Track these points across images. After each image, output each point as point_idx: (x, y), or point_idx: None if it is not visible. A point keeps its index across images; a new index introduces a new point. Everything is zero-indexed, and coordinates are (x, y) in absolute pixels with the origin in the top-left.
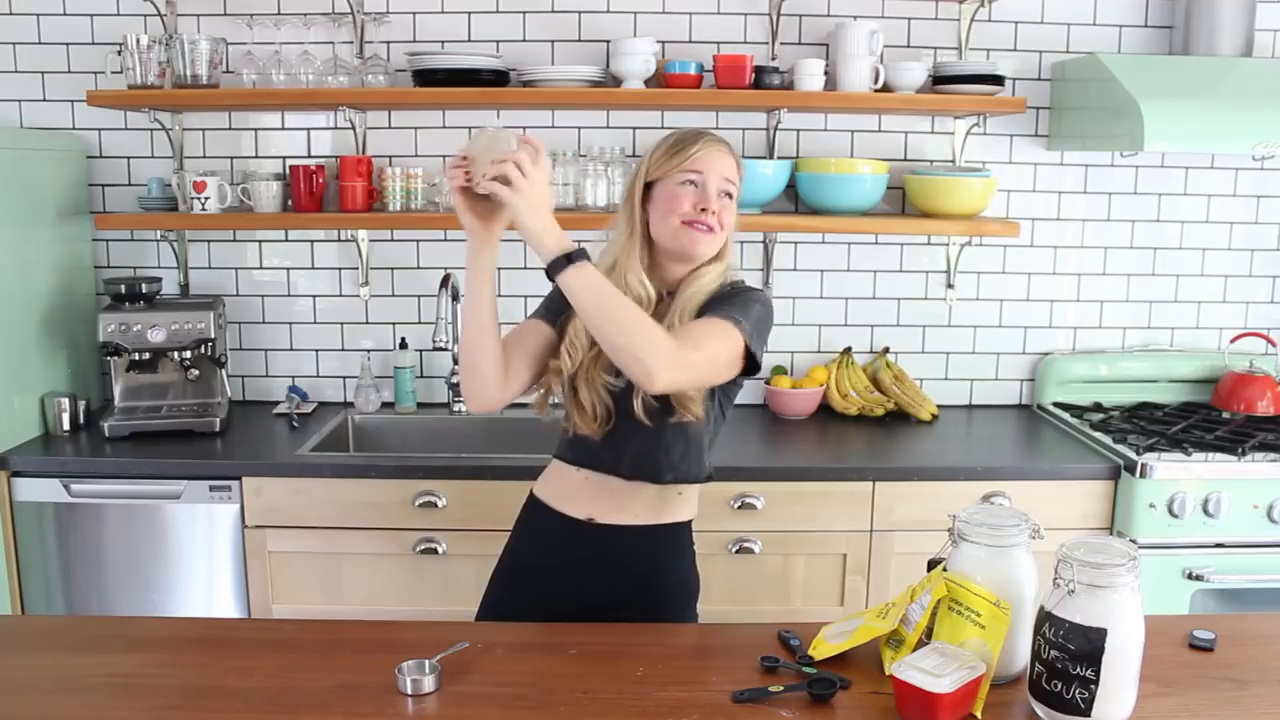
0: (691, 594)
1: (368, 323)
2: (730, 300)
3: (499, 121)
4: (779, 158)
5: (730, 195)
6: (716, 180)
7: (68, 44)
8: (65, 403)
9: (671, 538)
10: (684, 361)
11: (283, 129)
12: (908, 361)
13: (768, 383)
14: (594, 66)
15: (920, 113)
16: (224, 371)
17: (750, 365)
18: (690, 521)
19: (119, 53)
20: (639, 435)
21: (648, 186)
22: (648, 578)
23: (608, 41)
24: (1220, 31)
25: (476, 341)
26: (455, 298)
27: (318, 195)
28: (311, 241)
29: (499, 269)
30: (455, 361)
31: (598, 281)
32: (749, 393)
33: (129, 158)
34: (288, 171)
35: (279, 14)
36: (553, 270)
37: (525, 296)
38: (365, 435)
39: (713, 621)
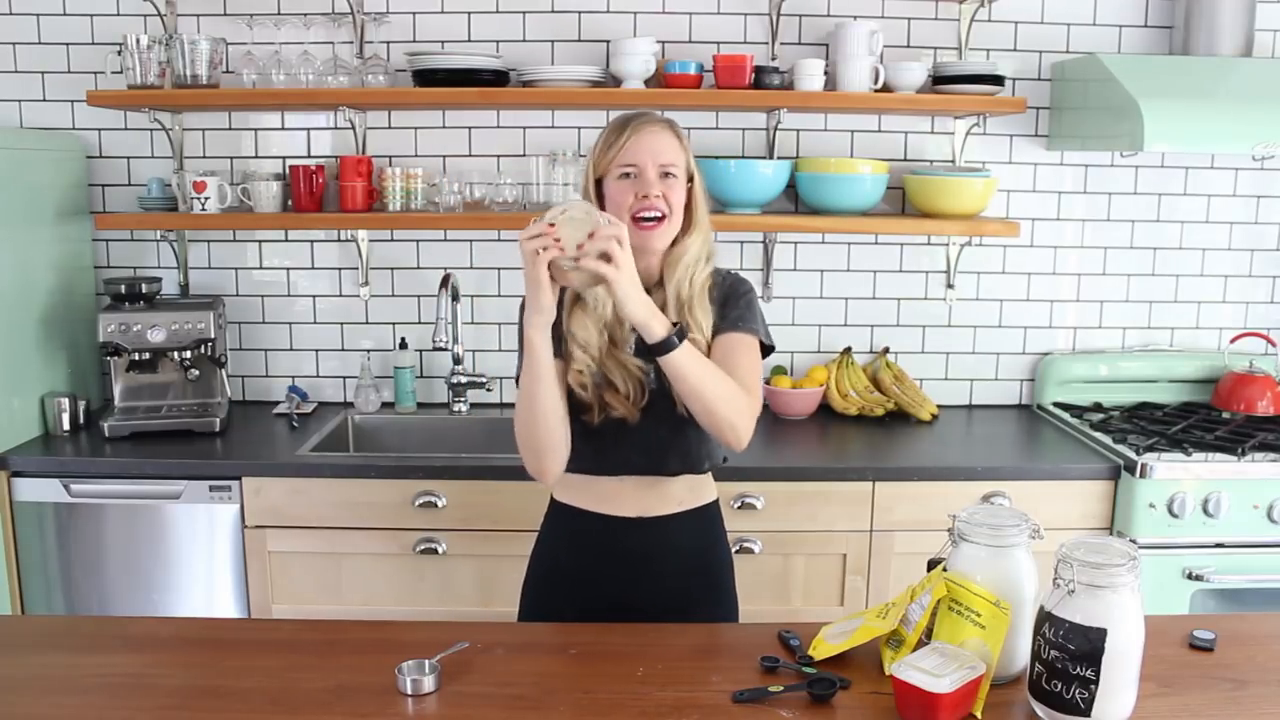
0: (733, 570)
1: (368, 323)
2: (737, 306)
3: (500, 121)
4: (779, 158)
5: (673, 174)
6: (653, 166)
7: (68, 44)
8: (65, 403)
9: (712, 517)
10: (756, 408)
11: (283, 129)
12: (908, 361)
13: (768, 383)
14: (594, 66)
15: (920, 113)
16: (224, 371)
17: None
18: (718, 501)
19: (119, 53)
20: (666, 427)
21: (599, 183)
22: (706, 558)
23: (608, 41)
24: (1220, 31)
25: (550, 420)
26: (455, 298)
27: (318, 195)
28: (311, 241)
29: (500, 269)
30: (456, 362)
31: (699, 356)
32: None
33: (129, 158)
34: (288, 171)
35: (279, 14)
36: (662, 350)
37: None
38: (365, 435)
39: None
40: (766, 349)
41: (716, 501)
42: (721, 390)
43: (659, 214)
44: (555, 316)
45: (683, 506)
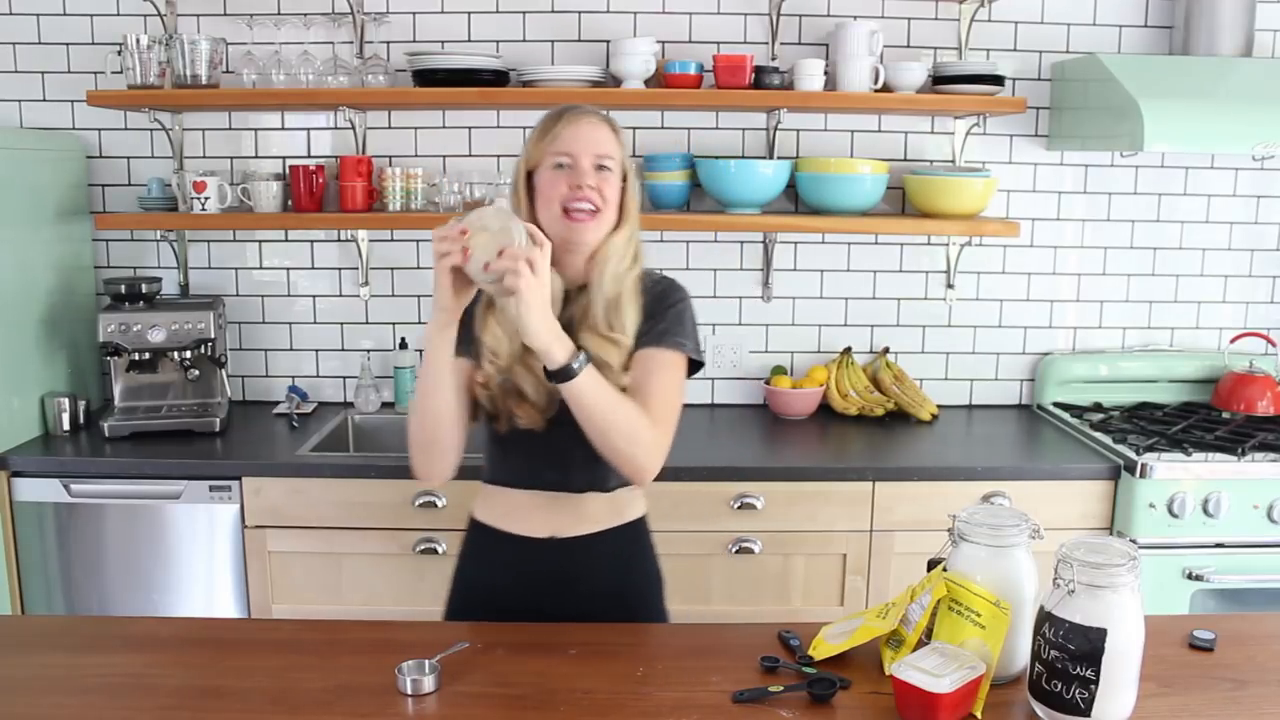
0: (661, 589)
1: (368, 323)
2: (665, 317)
3: (500, 121)
4: (779, 158)
5: (608, 167)
6: (588, 157)
7: (68, 44)
8: (65, 403)
9: (634, 537)
10: (664, 441)
11: (283, 129)
12: (908, 361)
13: (768, 383)
14: (594, 66)
15: (920, 113)
16: (224, 371)
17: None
18: (645, 517)
19: (119, 53)
20: (578, 444)
21: (530, 175)
22: (619, 580)
23: (608, 41)
24: (1220, 31)
25: (439, 420)
26: None
27: (318, 195)
28: (311, 241)
29: None
30: None
31: (601, 384)
32: (749, 392)
33: (129, 158)
34: (288, 171)
35: (279, 14)
36: (561, 377)
37: None
38: (365, 435)
39: (713, 621)
40: (695, 364)
41: (643, 519)
42: (622, 423)
43: (592, 206)
44: (461, 316)
45: (600, 526)
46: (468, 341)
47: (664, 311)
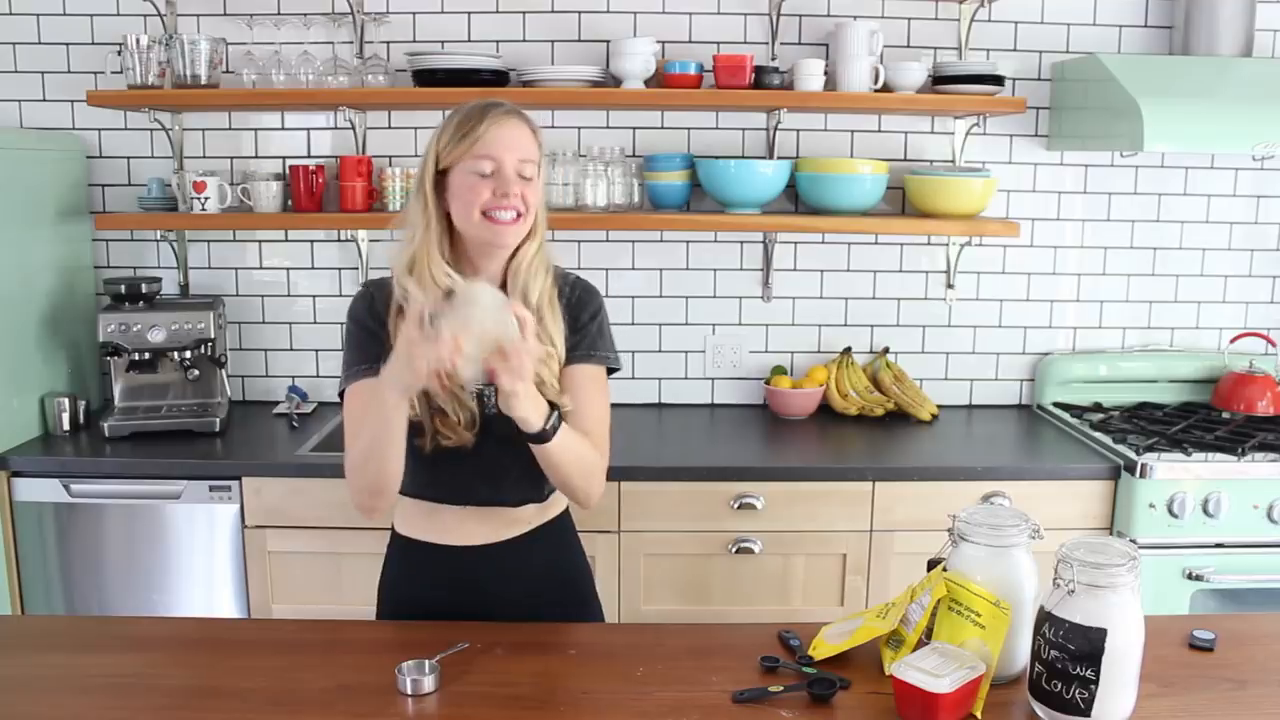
0: (591, 579)
1: None
2: (588, 329)
3: None
4: (779, 158)
5: (529, 175)
6: (512, 163)
7: (68, 44)
8: (65, 403)
9: (562, 530)
10: (606, 466)
11: (283, 129)
12: (908, 361)
13: (768, 383)
14: (594, 66)
15: (920, 113)
16: (224, 371)
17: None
18: (569, 509)
19: (119, 53)
20: (514, 461)
21: (441, 174)
22: (563, 573)
23: (608, 41)
24: (1220, 31)
25: (391, 475)
26: None
27: (318, 195)
28: (311, 241)
29: None
30: None
31: (569, 435)
32: (749, 392)
33: (129, 158)
34: (288, 171)
35: (279, 14)
36: (537, 440)
37: None
38: None
39: (713, 621)
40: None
41: (566, 510)
42: (583, 464)
43: (516, 212)
44: (374, 329)
45: (531, 525)
46: (377, 357)
47: (588, 323)
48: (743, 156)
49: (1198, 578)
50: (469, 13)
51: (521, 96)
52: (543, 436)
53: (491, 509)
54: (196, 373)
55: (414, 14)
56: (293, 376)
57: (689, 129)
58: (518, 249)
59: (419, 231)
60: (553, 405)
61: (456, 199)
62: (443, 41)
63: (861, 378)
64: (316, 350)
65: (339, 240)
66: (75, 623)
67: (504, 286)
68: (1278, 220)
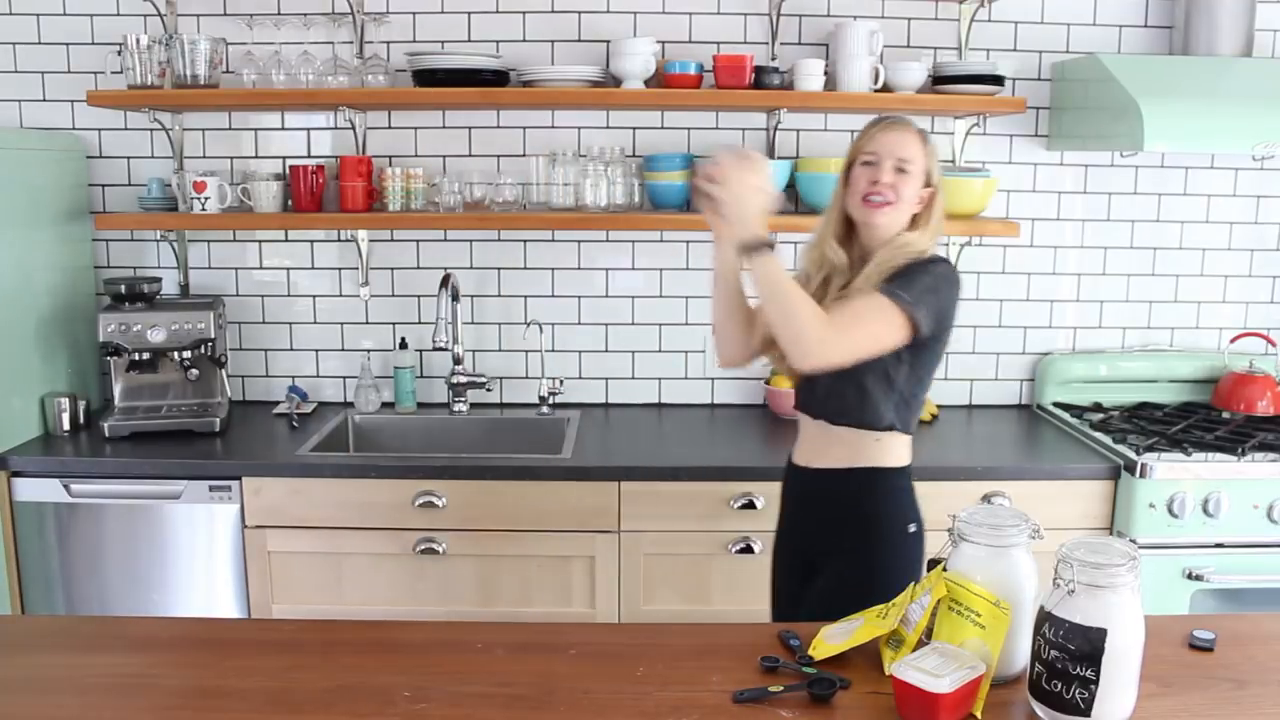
0: (899, 530)
1: (368, 323)
2: (901, 274)
3: (500, 121)
4: (779, 158)
5: (906, 170)
6: (891, 159)
7: (68, 44)
8: (65, 403)
9: (870, 480)
10: (831, 344)
11: (283, 129)
12: None
13: (768, 383)
14: (594, 66)
15: (920, 113)
16: (224, 371)
17: (918, 331)
18: (894, 469)
19: (119, 53)
20: (825, 380)
21: (849, 169)
22: (849, 516)
23: (608, 41)
24: (1220, 31)
25: (717, 314)
26: (455, 298)
27: (318, 195)
28: (311, 241)
29: (500, 269)
30: (456, 362)
31: (775, 271)
32: (749, 392)
33: (129, 158)
34: (288, 171)
35: (279, 14)
36: (744, 253)
37: (525, 297)
38: (365, 435)
39: (713, 621)
40: (915, 325)
41: (896, 471)
42: (787, 306)
43: (886, 199)
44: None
45: (838, 464)
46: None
47: (901, 271)
48: None
49: (1198, 578)
50: (469, 13)
51: (521, 96)
52: (750, 247)
53: (819, 423)
54: (196, 373)
55: (414, 14)
56: (293, 376)
57: (689, 129)
58: (898, 238)
59: (828, 211)
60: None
61: (849, 187)
62: (443, 41)
63: None
64: (316, 350)
65: (339, 240)
66: (75, 623)
67: (872, 255)
68: (1278, 220)
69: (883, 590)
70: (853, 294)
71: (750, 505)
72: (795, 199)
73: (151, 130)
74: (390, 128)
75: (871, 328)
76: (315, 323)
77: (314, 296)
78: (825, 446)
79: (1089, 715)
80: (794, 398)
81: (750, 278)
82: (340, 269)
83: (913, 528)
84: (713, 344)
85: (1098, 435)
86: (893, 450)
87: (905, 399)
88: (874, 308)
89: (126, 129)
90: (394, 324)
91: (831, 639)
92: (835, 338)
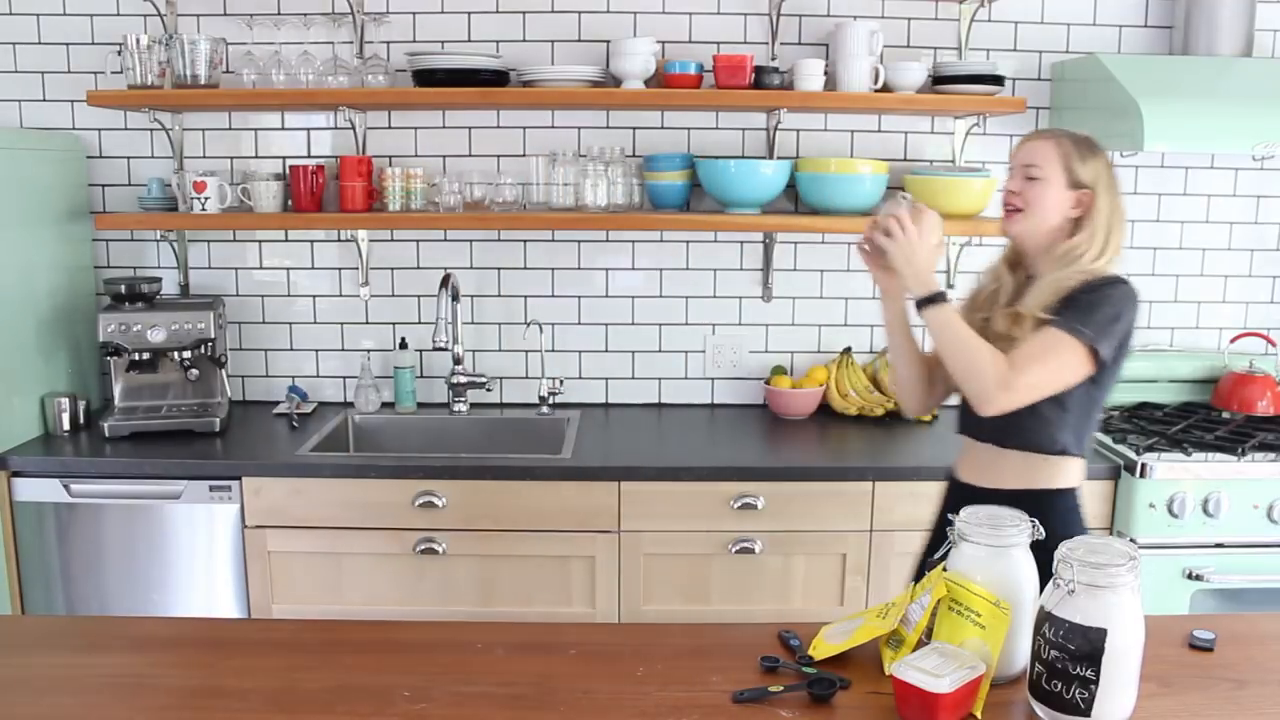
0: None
1: (368, 323)
2: (1076, 304)
3: (500, 121)
4: (779, 158)
5: (1036, 176)
6: (1020, 168)
7: (68, 44)
8: (65, 403)
9: (1038, 502)
10: (1012, 388)
11: (283, 129)
12: None
13: (768, 383)
14: (594, 66)
15: (920, 113)
16: (224, 371)
17: (1101, 364)
18: (1064, 490)
19: (119, 53)
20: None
21: None
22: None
23: (608, 41)
24: (1220, 31)
25: (896, 367)
26: (455, 298)
27: (318, 195)
28: (311, 241)
29: (500, 269)
30: (456, 362)
31: (951, 321)
32: (749, 392)
33: (129, 158)
34: (288, 171)
35: (279, 14)
36: (918, 307)
37: (525, 297)
38: (365, 435)
39: (713, 621)
40: (1098, 359)
41: (1066, 492)
42: (966, 355)
43: (1013, 207)
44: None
45: (1004, 485)
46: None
47: (1077, 298)
48: (743, 156)
49: (1198, 578)
50: (469, 13)
51: (521, 97)
52: (925, 302)
53: (989, 447)
54: (196, 373)
55: (414, 14)
56: (293, 376)
57: (689, 129)
58: (1062, 253)
59: None
60: (946, 295)
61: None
62: (443, 41)
63: (861, 378)
64: (316, 350)
65: (339, 240)
66: (75, 623)
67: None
68: (1278, 220)
69: None
70: (1026, 322)
71: (750, 505)
72: (795, 199)
73: (151, 130)
74: (390, 128)
75: (1052, 365)
76: (315, 323)
77: (314, 296)
78: (995, 467)
79: (1089, 715)
80: (958, 420)
81: (927, 330)
82: (340, 269)
83: None
84: (897, 396)
85: (1098, 435)
86: (1066, 471)
87: (1080, 421)
88: (1054, 346)
89: (126, 129)
90: (394, 324)
91: (831, 639)
92: (1016, 380)
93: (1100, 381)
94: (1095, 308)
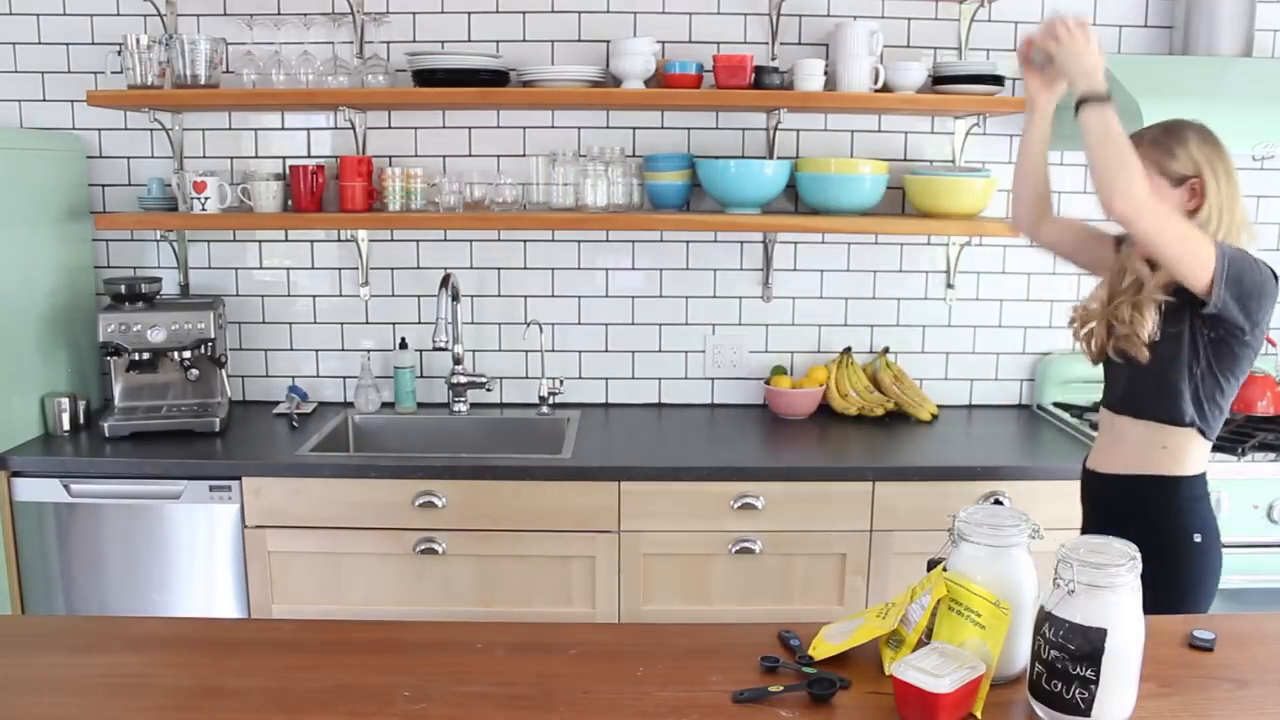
0: (1184, 540)
1: (368, 323)
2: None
3: (499, 121)
4: (779, 158)
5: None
6: None
7: (68, 44)
8: (65, 403)
9: (1157, 488)
10: (1145, 203)
11: (283, 129)
12: (908, 361)
13: (768, 383)
14: (594, 66)
15: (920, 113)
16: (224, 371)
17: (1214, 284)
18: (1187, 478)
19: (119, 53)
20: (1125, 372)
21: None
22: (1133, 525)
23: (608, 41)
24: (1220, 31)
25: (1025, 183)
26: (455, 298)
27: (318, 195)
28: (311, 241)
29: (500, 269)
30: (456, 362)
31: (1110, 122)
32: (749, 392)
33: (129, 158)
34: (288, 171)
35: (279, 14)
36: (1080, 102)
37: (525, 297)
38: (365, 435)
39: (713, 621)
40: (1214, 276)
41: (1190, 480)
42: (1119, 153)
43: None
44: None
45: (1128, 470)
46: (1122, 240)
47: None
48: (743, 156)
49: None
50: (469, 13)
51: (521, 97)
52: (1088, 99)
53: (1111, 419)
54: (196, 373)
55: (414, 14)
56: (293, 376)
57: (689, 129)
58: None
59: None
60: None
61: None
62: (443, 41)
63: (861, 378)
64: (316, 350)
65: (339, 240)
66: (75, 623)
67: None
68: (1278, 220)
69: (1167, 601)
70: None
71: (750, 505)
72: (795, 199)
73: (151, 130)
74: (390, 128)
75: (1179, 231)
76: (315, 323)
77: (314, 296)
78: (1116, 450)
79: (1089, 715)
80: (1103, 395)
81: (1084, 128)
82: (340, 269)
83: (1198, 537)
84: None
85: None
86: (1184, 457)
87: (1206, 397)
88: (1193, 235)
89: (126, 129)
90: (394, 324)
91: (831, 639)
92: (1149, 201)
93: (1222, 356)
94: (1237, 258)
